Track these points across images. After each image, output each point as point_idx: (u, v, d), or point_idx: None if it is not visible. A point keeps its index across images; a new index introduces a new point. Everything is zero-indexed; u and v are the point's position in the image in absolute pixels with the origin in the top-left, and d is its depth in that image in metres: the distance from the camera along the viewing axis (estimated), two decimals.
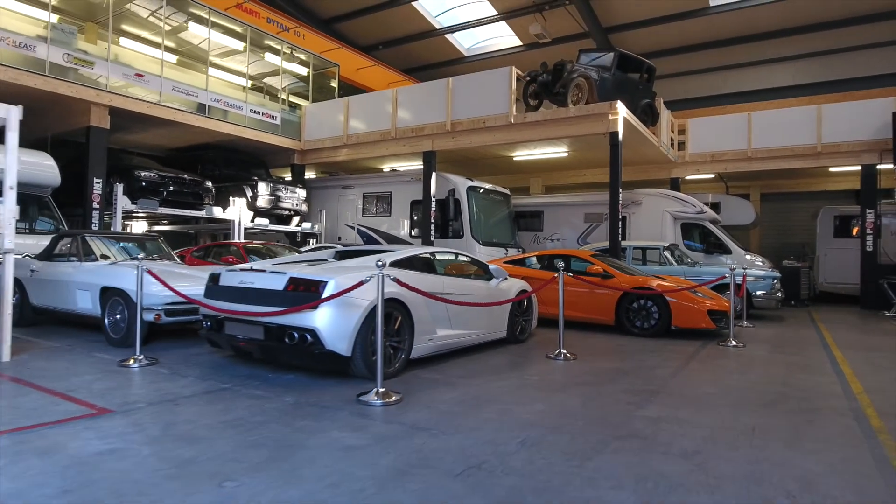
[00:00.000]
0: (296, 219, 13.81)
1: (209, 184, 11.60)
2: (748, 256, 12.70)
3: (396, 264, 5.21)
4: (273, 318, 4.30)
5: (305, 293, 4.29)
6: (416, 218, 13.20)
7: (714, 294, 8.06)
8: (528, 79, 11.45)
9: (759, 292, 10.38)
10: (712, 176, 16.27)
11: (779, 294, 10.63)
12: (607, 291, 7.79)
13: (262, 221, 12.73)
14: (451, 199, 12.29)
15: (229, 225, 12.11)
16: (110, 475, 2.53)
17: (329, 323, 4.23)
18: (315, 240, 14.13)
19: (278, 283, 4.42)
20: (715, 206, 15.00)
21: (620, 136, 10.48)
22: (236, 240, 11.60)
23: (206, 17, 12.30)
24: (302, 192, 13.69)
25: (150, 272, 5.19)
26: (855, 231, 14.20)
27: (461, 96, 11.93)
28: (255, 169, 13.90)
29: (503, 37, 20.60)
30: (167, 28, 12.20)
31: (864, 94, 14.63)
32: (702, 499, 2.44)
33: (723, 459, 2.95)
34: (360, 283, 4.14)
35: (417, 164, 14.25)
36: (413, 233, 13.23)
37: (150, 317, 5.55)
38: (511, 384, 4.67)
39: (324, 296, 4.20)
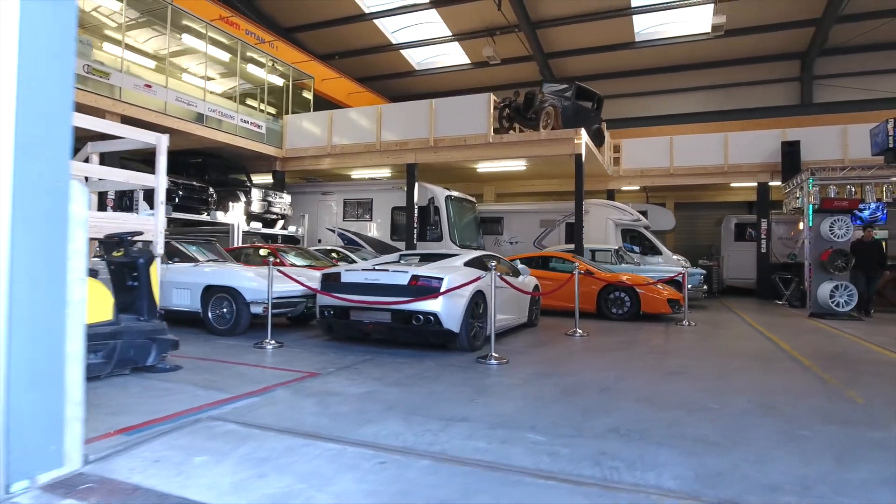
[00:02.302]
0: (280, 222, 14.72)
1: (212, 189, 12.34)
2: (675, 257, 15.39)
3: (467, 265, 6.78)
4: (401, 306, 5.74)
5: (426, 287, 5.77)
6: (396, 223, 14.63)
7: (668, 286, 10.31)
8: (503, 104, 13.31)
9: (689, 286, 12.91)
10: (638, 188, 19.08)
11: (704, 287, 13.25)
12: (591, 285, 9.78)
13: (257, 224, 13.59)
14: (432, 207, 13.87)
15: (227, 228, 12.87)
16: (385, 402, 3.94)
17: (446, 308, 5.75)
18: (298, 243, 15.09)
19: (403, 280, 5.87)
20: (644, 214, 17.70)
21: (584, 157, 12.59)
22: (237, 243, 12.44)
23: (204, 31, 12.97)
24: (288, 198, 14.64)
25: (280, 272, 6.38)
26: (763, 234, 17.42)
27: (443, 116, 13.54)
28: (237, 174, 14.63)
29: (452, 54, 22.36)
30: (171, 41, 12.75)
31: (760, 123, 17.92)
32: (734, 399, 4.30)
33: (733, 382, 4.88)
34: (474, 280, 5.72)
35: (384, 172, 15.70)
36: (394, 236, 14.65)
37: (258, 309, 6.71)
38: (563, 351, 6.42)
39: (442, 290, 5.71)
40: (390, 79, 23.70)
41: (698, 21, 18.41)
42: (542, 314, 9.06)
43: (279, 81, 16.10)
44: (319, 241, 15.33)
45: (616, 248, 13.90)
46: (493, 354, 5.55)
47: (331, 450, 2.94)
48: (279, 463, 2.75)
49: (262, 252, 10.19)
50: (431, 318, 5.73)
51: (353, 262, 11.62)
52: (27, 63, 2.39)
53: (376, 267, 6.23)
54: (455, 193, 14.62)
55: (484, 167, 15.75)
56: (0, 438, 2.31)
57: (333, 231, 15.39)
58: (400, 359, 5.62)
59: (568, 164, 13.17)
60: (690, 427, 3.47)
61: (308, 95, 16.99)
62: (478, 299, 6.18)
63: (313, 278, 6.82)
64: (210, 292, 6.95)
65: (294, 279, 6.47)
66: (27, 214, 2.41)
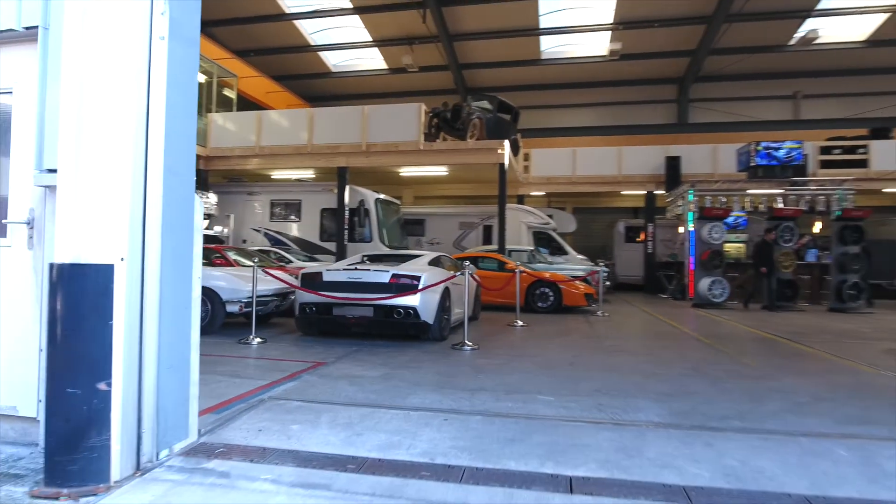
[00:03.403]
0: (205, 222, 14.47)
1: None
2: (579, 257, 17.21)
3: (430, 264, 7.58)
4: (384, 301, 6.42)
5: (406, 284, 6.50)
6: (325, 224, 14.98)
7: (584, 283, 11.78)
8: (431, 114, 14.20)
9: (593, 283, 14.62)
10: (543, 193, 20.90)
11: (608, 283, 15.04)
12: (521, 282, 10.94)
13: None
14: (362, 209, 14.41)
15: None
16: (407, 381, 4.66)
17: (423, 303, 6.52)
18: (222, 243, 14.89)
19: (384, 278, 6.54)
20: (550, 217, 19.46)
21: (506, 166, 13.83)
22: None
23: None
24: (214, 197, 14.41)
25: (265, 271, 6.76)
26: (642, 237, 19.81)
27: (375, 122, 14.15)
28: None
29: (370, 59, 22.87)
30: None
31: (647, 139, 20.40)
32: (670, 367, 5.53)
33: (662, 356, 6.16)
34: (450, 278, 6.54)
35: (308, 174, 15.96)
36: (323, 237, 14.98)
37: (234, 308, 7.03)
38: (517, 338, 7.43)
39: (420, 286, 6.47)
40: (307, 79, 23.66)
41: (597, 45, 20.54)
42: (489, 309, 10.06)
43: (201, 78, 15.72)
44: (244, 241, 15.23)
45: (531, 248, 15.31)
46: (467, 342, 6.41)
47: (398, 414, 3.64)
48: (365, 425, 3.41)
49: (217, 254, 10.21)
50: (411, 311, 6.46)
51: (290, 261, 11.90)
52: (172, 106, 2.88)
53: (358, 267, 6.84)
54: (383, 196, 15.25)
55: (408, 171, 16.52)
56: (152, 414, 2.79)
57: (259, 231, 15.36)
58: (384, 349, 6.30)
59: (486, 170, 14.36)
60: (650, 386, 4.59)
61: (230, 94, 16.73)
62: (445, 295, 7.01)
63: (287, 278, 7.24)
64: None
65: (281, 280, 6.88)
66: (171, 223, 2.89)
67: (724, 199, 14.89)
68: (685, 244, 15.56)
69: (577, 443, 3.16)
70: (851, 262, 12.46)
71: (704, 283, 13.13)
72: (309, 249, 14.68)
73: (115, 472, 2.56)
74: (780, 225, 13.11)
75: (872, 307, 12.86)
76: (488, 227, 17.36)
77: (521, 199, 19.48)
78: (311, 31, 21.00)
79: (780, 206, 14.54)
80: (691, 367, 5.51)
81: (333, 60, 23.27)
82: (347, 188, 14.38)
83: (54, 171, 2.90)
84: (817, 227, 17.12)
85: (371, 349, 6.24)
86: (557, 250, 17.18)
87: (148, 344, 2.74)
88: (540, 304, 11.07)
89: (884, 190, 16.64)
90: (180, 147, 2.96)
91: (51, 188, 2.96)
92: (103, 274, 2.53)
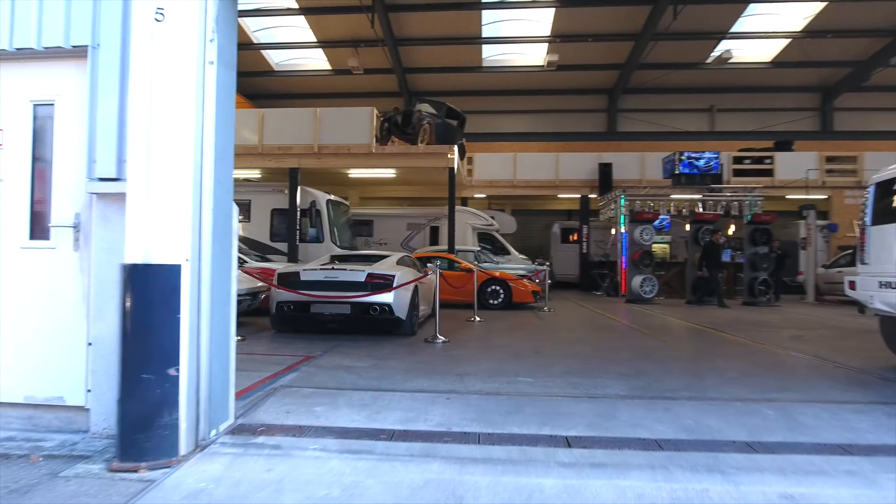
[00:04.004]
0: None
1: None
2: (520, 256, 18.14)
3: (398, 263, 8.05)
4: (361, 299, 6.84)
5: (380, 283, 6.94)
6: (276, 224, 15.02)
7: (530, 281, 12.61)
8: (382, 118, 14.61)
9: (537, 281, 15.55)
10: (484, 196, 21.76)
11: (549, 281, 16.00)
12: (472, 280, 11.60)
13: None
14: (313, 210, 14.60)
15: None
16: (397, 369, 5.14)
17: (397, 300, 6.99)
18: None
19: (360, 277, 6.94)
20: (493, 219, 20.32)
21: (456, 170, 14.47)
22: None
23: None
24: None
25: (245, 270, 6.97)
26: (574, 237, 21.06)
27: (328, 125, 14.37)
28: None
29: (314, 59, 22.85)
30: None
31: (581, 146, 21.73)
32: (620, 353, 6.31)
33: (611, 344, 6.97)
34: (421, 277, 7.05)
35: (255, 174, 15.91)
36: (274, 238, 15.00)
37: None
38: (480, 332, 8.04)
39: (394, 285, 6.94)
40: (249, 77, 23.25)
41: (536, 55, 21.62)
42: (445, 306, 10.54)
43: None
44: None
45: (477, 249, 16.04)
46: (440, 336, 6.95)
47: (404, 396, 4.13)
48: (379, 405, 3.88)
49: None
50: (386, 308, 6.92)
51: (245, 261, 11.94)
52: (219, 123, 3.24)
53: (334, 266, 7.20)
54: (333, 197, 15.46)
55: (356, 173, 16.79)
56: (206, 397, 3.14)
57: None
58: (362, 343, 6.71)
59: (434, 173, 14.95)
60: (611, 368, 5.32)
61: None
62: (414, 293, 7.51)
63: (260, 278, 7.47)
64: None
65: (258, 279, 7.12)
66: (218, 228, 3.25)
67: (651, 204, 16.23)
68: (618, 245, 16.84)
69: (563, 412, 3.79)
70: (761, 261, 14.04)
71: (636, 280, 14.33)
72: (259, 249, 14.62)
73: (182, 447, 2.91)
74: (702, 227, 14.53)
75: (779, 301, 14.53)
76: (435, 228, 17.95)
77: (464, 202, 20.20)
78: (254, 28, 20.76)
79: (701, 210, 16.05)
80: (639, 353, 6.33)
81: (276, 59, 23.06)
82: (299, 189, 14.51)
83: (105, 179, 3.20)
84: (731, 229, 18.94)
85: (350, 344, 6.64)
86: (500, 250, 18.01)
87: (203, 335, 3.09)
88: (492, 301, 11.77)
89: (787, 196, 18.68)
90: (224, 159, 3.32)
91: (98, 195, 3.24)
92: (173, 273, 2.87)
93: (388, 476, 2.71)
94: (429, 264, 9.27)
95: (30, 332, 3.33)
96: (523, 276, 12.58)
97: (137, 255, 2.86)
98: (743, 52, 20.73)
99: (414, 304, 7.44)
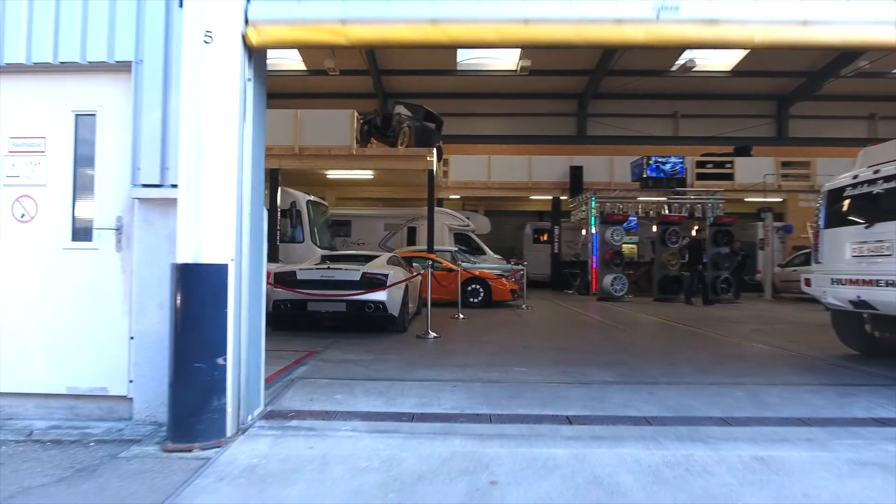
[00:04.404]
0: None
1: None
2: (495, 256, 18.64)
3: (388, 263, 8.39)
4: (357, 297, 7.15)
5: (374, 281, 7.27)
6: None
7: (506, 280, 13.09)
8: (362, 120, 14.88)
9: (514, 279, 16.07)
10: (458, 197, 22.22)
11: (524, 280, 16.53)
12: (456, 279, 12.01)
13: None
14: (294, 210, 14.75)
15: None
16: (399, 362, 5.48)
17: (390, 298, 7.33)
18: None
19: (355, 276, 7.26)
20: (468, 220, 20.78)
21: (435, 172, 14.85)
22: None
23: None
24: None
25: None
26: (544, 237, 21.71)
27: (308, 126, 14.57)
28: None
29: (289, 59, 22.87)
30: None
31: (553, 149, 22.38)
32: (599, 345, 6.81)
33: (591, 337, 7.47)
34: (411, 278, 7.41)
35: None
36: None
37: None
38: (466, 328, 8.45)
39: (388, 283, 7.29)
40: None
41: (509, 60, 22.18)
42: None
43: None
44: None
45: (455, 249, 16.45)
46: (431, 332, 7.32)
47: (414, 384, 4.50)
48: (393, 393, 4.24)
49: None
50: (380, 306, 7.26)
51: None
52: (255, 134, 3.55)
53: (330, 266, 7.49)
54: (312, 198, 15.64)
55: (335, 174, 17.00)
56: (245, 384, 3.45)
57: None
58: (358, 340, 7.02)
59: (412, 175, 15.33)
60: (594, 359, 5.80)
61: None
62: (405, 291, 7.86)
63: None
64: None
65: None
66: (254, 231, 3.56)
67: (620, 206, 16.94)
68: (588, 245, 17.52)
69: (560, 396, 4.22)
70: (723, 260, 14.89)
71: (607, 279, 14.99)
72: None
73: (229, 430, 3.21)
74: (668, 228, 15.29)
75: (740, 299, 15.40)
76: (412, 228, 18.30)
77: (440, 203, 20.56)
78: None
79: (667, 212, 16.86)
80: (618, 345, 6.85)
81: None
82: (279, 190, 14.64)
83: (148, 185, 3.47)
84: (695, 230, 19.87)
85: (347, 340, 6.95)
86: (476, 250, 18.47)
87: (242, 328, 3.40)
88: (472, 300, 12.19)
89: (746, 199, 19.72)
90: (258, 167, 3.63)
91: (140, 199, 3.51)
92: (221, 272, 3.17)
93: (419, 450, 3.08)
94: (415, 264, 9.65)
95: (73, 327, 3.57)
96: (501, 276, 13.06)
97: (188, 256, 3.15)
98: (706, 60, 21.73)
99: (405, 302, 7.79)
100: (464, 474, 2.77)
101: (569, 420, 3.64)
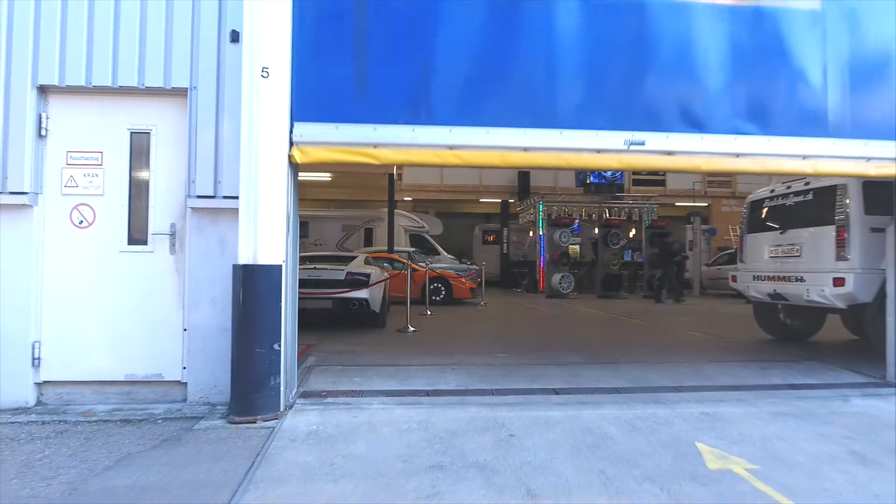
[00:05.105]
0: None
1: None
2: (449, 257, 19.45)
3: (365, 263, 8.99)
4: (343, 295, 7.73)
5: (358, 280, 7.87)
6: None
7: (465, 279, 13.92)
8: None
9: (468, 277, 16.92)
10: (410, 199, 22.90)
11: (478, 279, 17.43)
12: (421, 279, 12.72)
13: None
14: None
15: None
16: (395, 352, 6.16)
17: (372, 296, 7.96)
18: None
19: (340, 276, 7.83)
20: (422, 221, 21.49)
21: (395, 176, 15.47)
22: None
23: None
24: None
25: None
26: (491, 238, 22.75)
27: None
28: None
29: None
30: None
31: None
32: (559, 337, 7.73)
33: (554, 330, 8.39)
34: (388, 278, 8.07)
35: None
36: None
37: None
38: (437, 323, 9.17)
39: (370, 282, 7.91)
40: None
41: None
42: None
43: None
44: None
45: (412, 250, 17.13)
46: (410, 327, 8.00)
47: (418, 368, 5.19)
48: (403, 375, 4.92)
49: None
50: (364, 302, 7.86)
51: None
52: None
53: (317, 266, 8.02)
54: None
55: None
56: (290, 367, 4.04)
57: None
58: (346, 335, 7.59)
59: (370, 178, 15.88)
60: (561, 346, 6.68)
61: None
62: (384, 289, 8.51)
63: None
64: None
65: None
66: (293, 237, 4.16)
67: (566, 209, 18.18)
68: (536, 246, 18.65)
69: (543, 374, 5.04)
70: (656, 259, 16.34)
71: (556, 277, 16.13)
72: None
73: (281, 405, 3.80)
74: (611, 230, 16.61)
75: (684, 296, 16.91)
76: (369, 229, 18.82)
77: (395, 204, 21.19)
78: None
79: (608, 215, 18.24)
80: (578, 335, 7.80)
81: None
82: None
83: (202, 196, 4.00)
84: (632, 232, 21.46)
85: (336, 335, 7.51)
86: (430, 251, 19.20)
87: (288, 318, 3.99)
88: (435, 297, 12.92)
89: (677, 204, 21.51)
90: (296, 182, 4.22)
91: (194, 209, 4.03)
92: (277, 271, 3.75)
93: (443, 416, 3.80)
94: (385, 264, 10.28)
95: (131, 321, 4.04)
96: (460, 275, 13.87)
97: (248, 258, 3.71)
98: None
99: (384, 300, 8.43)
100: (486, 430, 3.52)
101: (555, 391, 4.46)
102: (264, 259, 3.74)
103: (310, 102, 3.93)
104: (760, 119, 4.26)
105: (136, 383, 4.07)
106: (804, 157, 4.31)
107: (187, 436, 3.44)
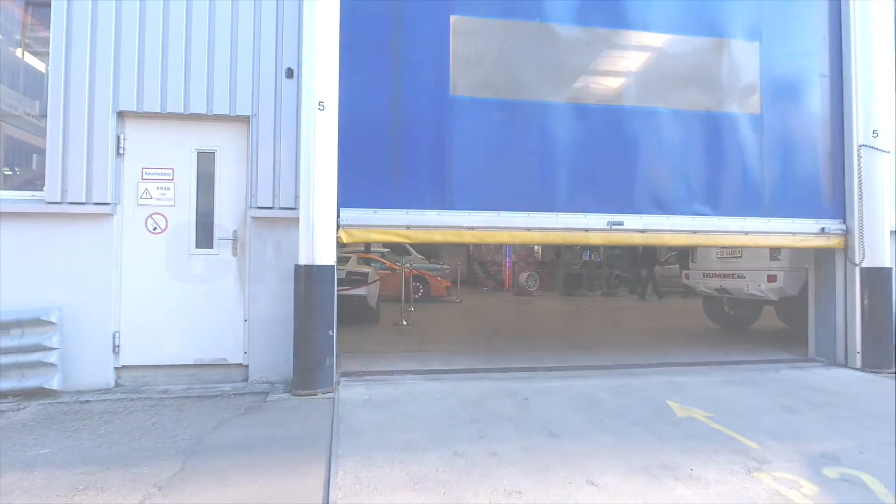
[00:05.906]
0: None
1: None
2: (419, 257, 20.29)
3: (359, 263, 9.77)
4: (342, 293, 8.48)
5: (357, 279, 8.65)
6: None
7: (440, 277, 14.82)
8: None
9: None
10: None
11: (451, 278, 18.33)
12: (398, 277, 13.51)
13: None
14: None
15: None
16: (398, 343, 6.99)
17: (370, 293, 8.75)
18: None
19: (341, 275, 8.58)
20: None
21: None
22: None
23: None
24: None
25: None
26: None
27: None
28: None
29: None
30: None
31: None
32: (540, 329, 8.75)
33: (536, 322, 9.39)
34: (381, 278, 8.88)
35: None
36: None
37: None
38: (425, 318, 10.03)
39: (368, 281, 8.70)
40: None
41: None
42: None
43: None
44: None
45: (387, 250, 17.88)
46: (404, 321, 8.84)
47: (430, 354, 6.06)
48: (421, 358, 5.78)
49: None
50: (363, 299, 8.65)
51: None
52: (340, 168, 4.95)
53: None
54: None
55: None
56: (335, 352, 4.83)
57: None
58: (350, 329, 8.27)
59: None
60: (545, 334, 7.67)
61: None
62: (378, 287, 9.31)
63: None
64: None
65: None
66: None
67: None
68: (503, 247, 19.72)
69: (536, 357, 6.00)
70: (615, 260, 17.71)
71: (523, 276, 17.23)
72: None
73: (333, 381, 4.59)
74: None
75: (657, 294, 18.33)
76: None
77: None
78: None
79: None
80: (555, 326, 8.83)
81: None
82: None
83: (262, 207, 4.75)
84: None
85: (339, 329, 8.24)
86: (403, 252, 20.00)
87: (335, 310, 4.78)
88: (414, 295, 13.76)
89: None
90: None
91: (254, 218, 4.78)
92: (331, 270, 4.55)
93: (468, 386, 4.69)
94: (372, 263, 11.05)
95: (199, 314, 4.74)
96: (436, 274, 14.76)
97: (306, 259, 4.49)
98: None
99: (377, 297, 9.23)
100: (505, 396, 4.43)
101: (549, 369, 5.43)
102: (321, 260, 4.53)
103: (352, 193, 4.84)
104: (713, 202, 5.47)
105: (202, 366, 4.77)
106: (746, 233, 5.53)
107: (264, 405, 4.20)
